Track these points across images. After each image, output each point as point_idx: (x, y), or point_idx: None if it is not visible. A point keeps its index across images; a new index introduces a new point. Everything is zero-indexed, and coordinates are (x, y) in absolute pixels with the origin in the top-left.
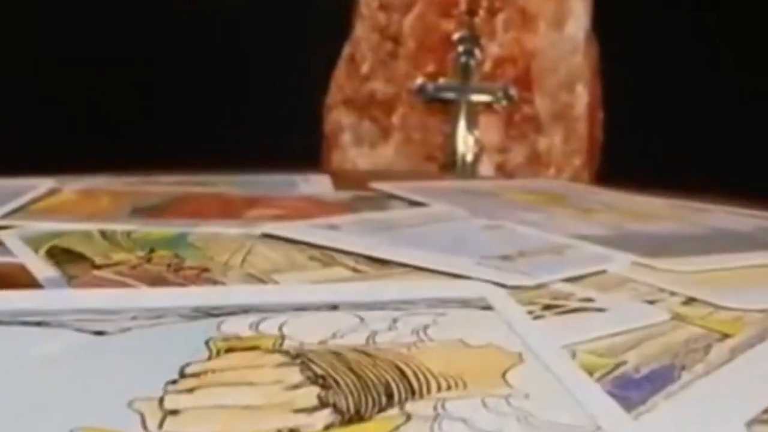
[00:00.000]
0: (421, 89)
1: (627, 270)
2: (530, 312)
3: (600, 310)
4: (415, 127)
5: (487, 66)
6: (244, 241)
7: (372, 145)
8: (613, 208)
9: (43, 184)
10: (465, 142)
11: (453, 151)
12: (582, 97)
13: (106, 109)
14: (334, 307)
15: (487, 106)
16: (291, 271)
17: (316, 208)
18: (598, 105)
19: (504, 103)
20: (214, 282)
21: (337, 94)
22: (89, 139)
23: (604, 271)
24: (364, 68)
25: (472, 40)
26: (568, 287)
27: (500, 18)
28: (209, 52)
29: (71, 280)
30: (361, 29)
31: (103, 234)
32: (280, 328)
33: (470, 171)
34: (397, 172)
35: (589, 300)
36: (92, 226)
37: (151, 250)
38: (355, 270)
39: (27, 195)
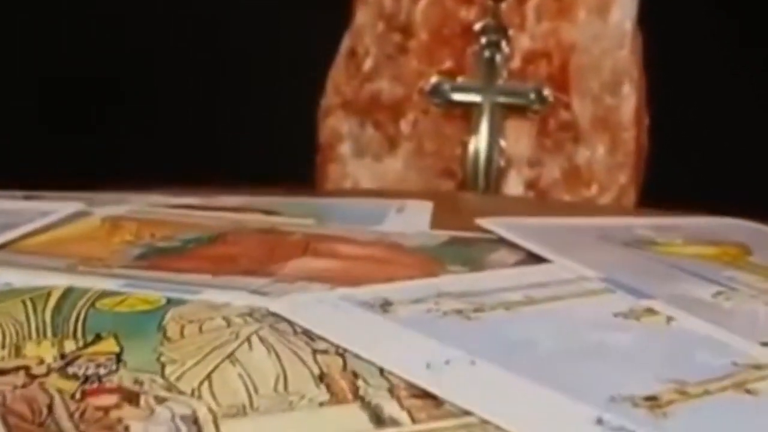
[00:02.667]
0: (436, 90)
1: None
2: None
3: None
4: (428, 136)
5: (516, 62)
6: (242, 327)
7: (376, 157)
8: None
9: (68, 206)
10: (488, 154)
11: (474, 164)
12: (629, 100)
13: (96, 109)
14: None
15: (516, 110)
16: (268, 411)
17: (384, 259)
18: (644, 109)
19: (536, 106)
20: None
21: (334, 96)
22: (81, 139)
23: None
24: (367, 65)
25: (498, 30)
26: None
27: (531, 4)
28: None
29: None
30: (363, 17)
31: (62, 298)
32: None
33: (494, 189)
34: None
35: None
36: (64, 281)
37: (97, 337)
38: (377, 418)
39: (27, 225)
